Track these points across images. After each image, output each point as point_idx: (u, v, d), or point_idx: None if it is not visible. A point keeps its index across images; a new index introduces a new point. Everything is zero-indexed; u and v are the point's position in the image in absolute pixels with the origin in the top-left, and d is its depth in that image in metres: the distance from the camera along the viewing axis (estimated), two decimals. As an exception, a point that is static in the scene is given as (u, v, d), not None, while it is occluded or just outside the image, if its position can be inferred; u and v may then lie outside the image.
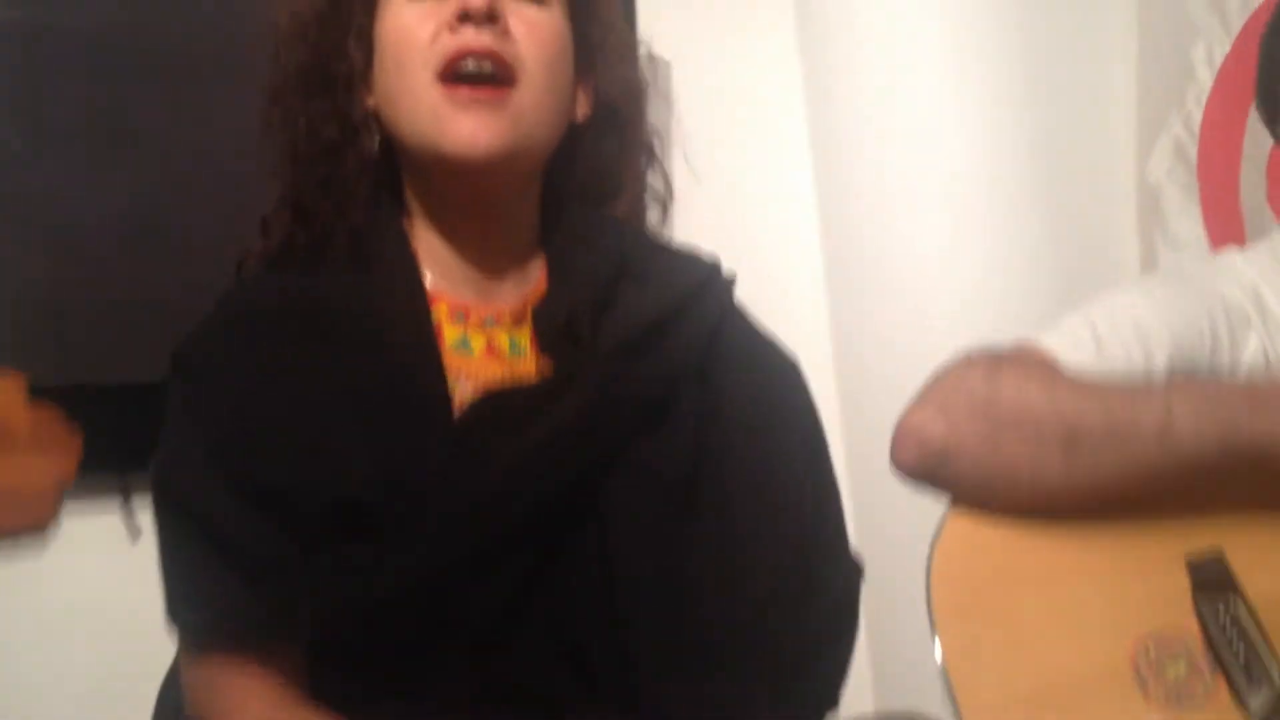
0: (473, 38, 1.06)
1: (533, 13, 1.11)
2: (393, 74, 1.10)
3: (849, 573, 1.19)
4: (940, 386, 1.15)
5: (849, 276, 2.22)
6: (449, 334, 1.12)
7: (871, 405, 2.06)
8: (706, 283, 1.19)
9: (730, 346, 1.17)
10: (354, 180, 1.12)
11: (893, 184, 2.11)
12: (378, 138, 1.15)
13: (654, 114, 1.22)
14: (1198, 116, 2.10)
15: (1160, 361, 1.17)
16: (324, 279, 1.12)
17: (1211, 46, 2.09)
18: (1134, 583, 1.10)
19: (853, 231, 2.21)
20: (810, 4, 2.23)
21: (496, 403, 1.06)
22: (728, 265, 1.22)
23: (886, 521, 1.73)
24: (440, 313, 1.13)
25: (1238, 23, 2.06)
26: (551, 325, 1.10)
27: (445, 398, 1.07)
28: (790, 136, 2.23)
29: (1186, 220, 2.12)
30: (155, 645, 1.62)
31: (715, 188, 1.73)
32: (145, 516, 1.65)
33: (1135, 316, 1.20)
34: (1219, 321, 1.22)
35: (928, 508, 1.15)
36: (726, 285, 1.22)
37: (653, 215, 1.24)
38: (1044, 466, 1.09)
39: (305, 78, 1.13)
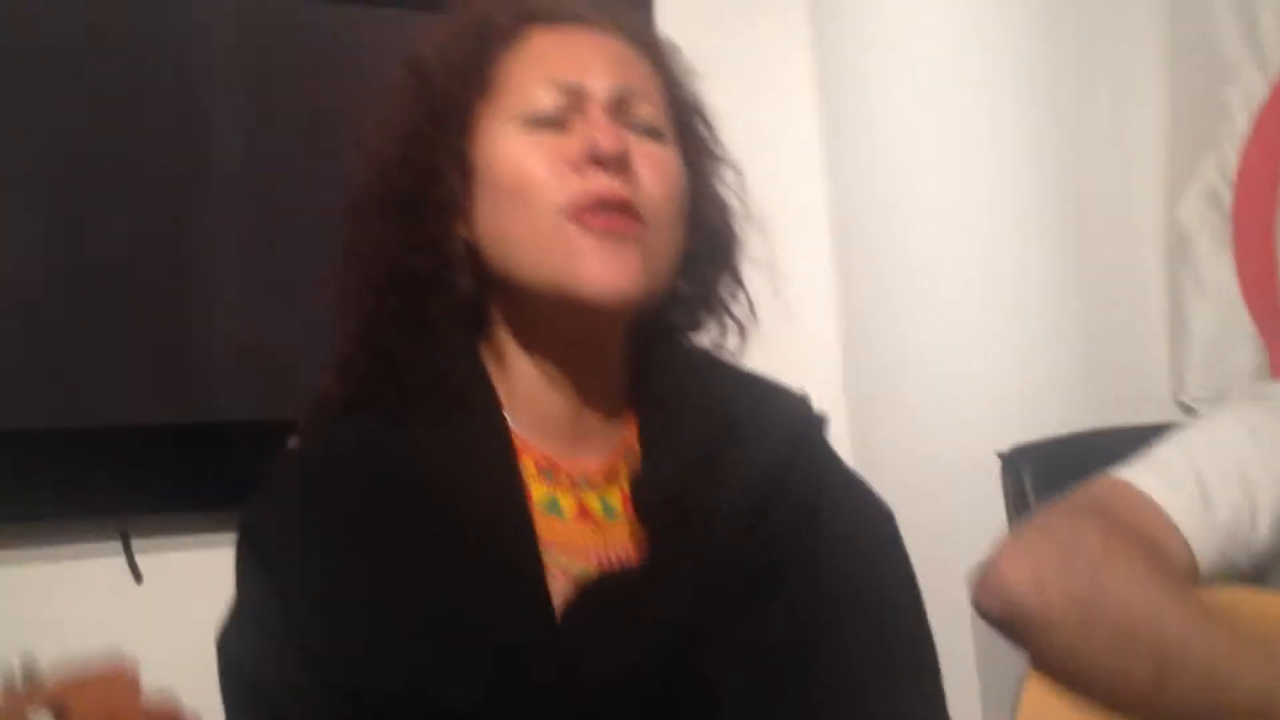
0: (604, 185, 0.98)
1: (655, 150, 1.03)
2: (507, 209, 1.00)
3: None
4: (1046, 543, 1.12)
5: (865, 345, 2.16)
6: (536, 493, 1.03)
7: (879, 433, 2.05)
8: (805, 435, 1.13)
9: (830, 502, 1.10)
10: (444, 322, 1.03)
11: (915, 219, 2.05)
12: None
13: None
14: (1233, 160, 2.06)
15: (1265, 519, 1.16)
16: (405, 436, 1.02)
17: (1249, 88, 2.04)
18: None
19: (872, 285, 2.15)
20: (830, 58, 2.18)
21: (600, 595, 0.98)
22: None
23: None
24: (527, 468, 1.03)
25: (1276, 62, 2.01)
26: (654, 500, 1.02)
27: (543, 587, 0.99)
28: (807, 171, 2.19)
29: (1218, 268, 2.07)
30: (160, 685, 1.67)
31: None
32: (146, 558, 1.69)
33: (1241, 463, 1.17)
34: None
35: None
36: (822, 431, 1.15)
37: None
38: (1130, 681, 1.06)
39: (394, 203, 1.04)
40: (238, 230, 1.71)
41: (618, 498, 1.05)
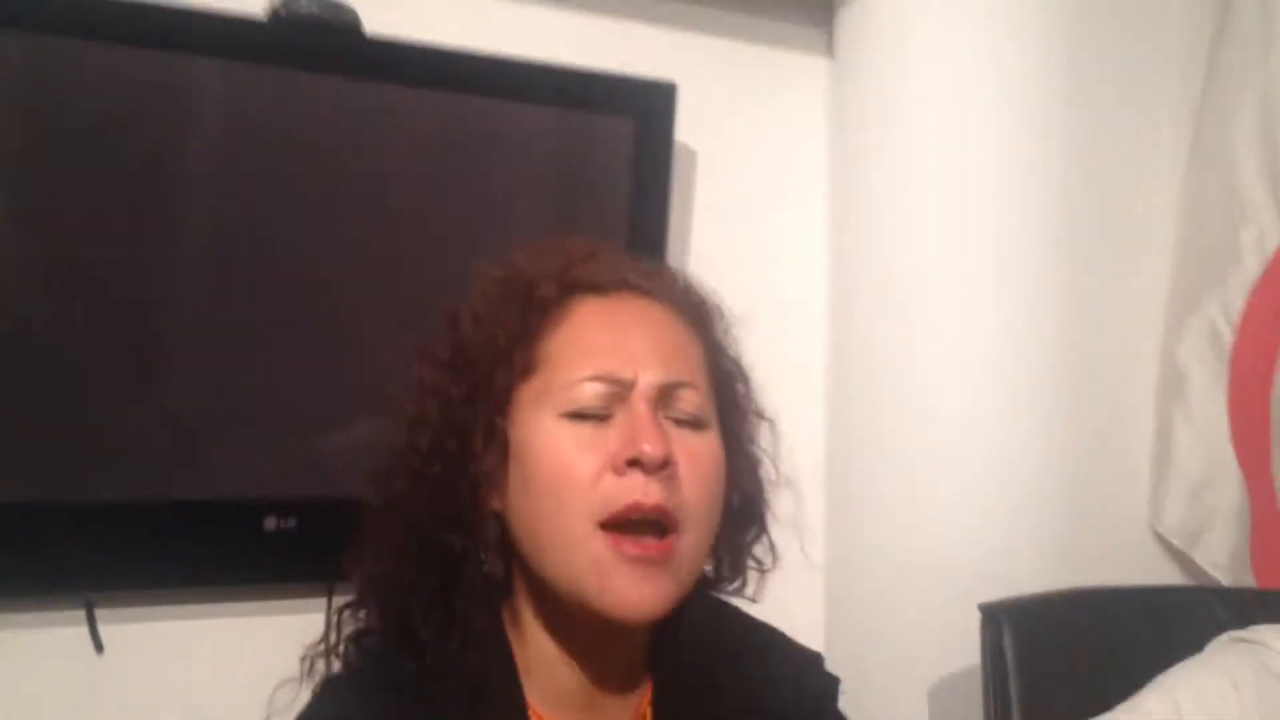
0: (643, 492, 0.96)
1: (696, 443, 1.01)
2: (541, 502, 0.98)
3: None
4: None
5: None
6: None
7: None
8: (821, 708, 1.12)
9: None
10: (472, 599, 1.01)
11: (915, 331, 2.03)
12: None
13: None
14: (1238, 304, 2.04)
15: None
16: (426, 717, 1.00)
17: (1264, 233, 2.02)
18: None
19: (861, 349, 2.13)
20: (846, 137, 2.14)
21: None
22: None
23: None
24: None
25: (1294, 209, 2.00)
26: None
27: None
28: (809, 252, 2.17)
29: (1211, 406, 2.07)
30: None
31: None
32: (108, 628, 1.65)
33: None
34: None
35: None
36: (835, 697, 1.14)
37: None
38: None
39: (429, 474, 1.01)
40: (208, 304, 1.66)
41: None
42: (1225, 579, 2.06)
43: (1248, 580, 2.06)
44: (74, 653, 1.63)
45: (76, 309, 1.58)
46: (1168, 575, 2.12)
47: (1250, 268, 2.03)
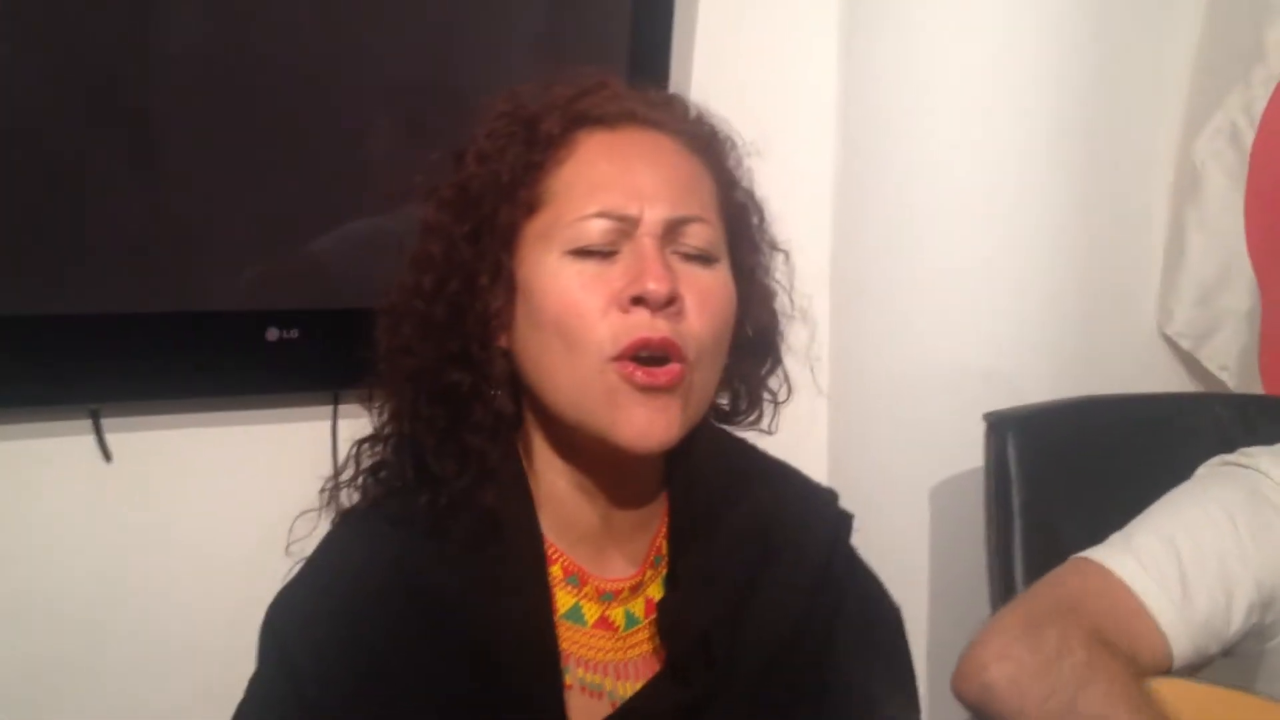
0: (649, 327, 0.95)
1: (705, 278, 0.99)
2: (550, 341, 0.97)
3: None
4: (1032, 646, 1.14)
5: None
6: (561, 599, 1.02)
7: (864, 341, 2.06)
8: (835, 546, 1.11)
9: (848, 611, 1.10)
10: (484, 435, 1.00)
11: (925, 132, 1.98)
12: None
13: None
14: (1262, 102, 1.98)
15: (1239, 613, 1.21)
16: (439, 552, 1.00)
17: (1292, 33, 1.95)
18: None
19: (874, 187, 2.08)
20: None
21: None
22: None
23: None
24: (554, 575, 1.03)
25: (1325, 11, 1.92)
26: (683, 637, 1.01)
27: (562, 709, 0.99)
28: (818, 103, 2.09)
29: (1226, 210, 2.02)
30: (131, 562, 1.68)
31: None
32: (115, 437, 1.67)
33: (1221, 554, 1.22)
34: None
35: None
36: (848, 533, 1.14)
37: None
38: None
39: (437, 313, 1.00)
40: (206, 115, 1.62)
41: (641, 607, 1.05)
42: (1232, 382, 2.06)
43: (1253, 384, 2.06)
44: (83, 461, 1.65)
45: (77, 122, 1.55)
46: (1175, 382, 2.12)
47: (1275, 66, 1.96)
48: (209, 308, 1.67)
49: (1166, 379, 2.11)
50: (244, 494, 1.70)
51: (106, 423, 1.65)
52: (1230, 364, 2.07)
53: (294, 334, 1.70)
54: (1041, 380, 1.90)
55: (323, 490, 1.09)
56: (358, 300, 1.08)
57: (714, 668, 1.00)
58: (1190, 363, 2.11)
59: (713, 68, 1.98)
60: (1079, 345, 2.01)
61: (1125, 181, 2.05)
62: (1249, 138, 2.00)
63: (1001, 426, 1.66)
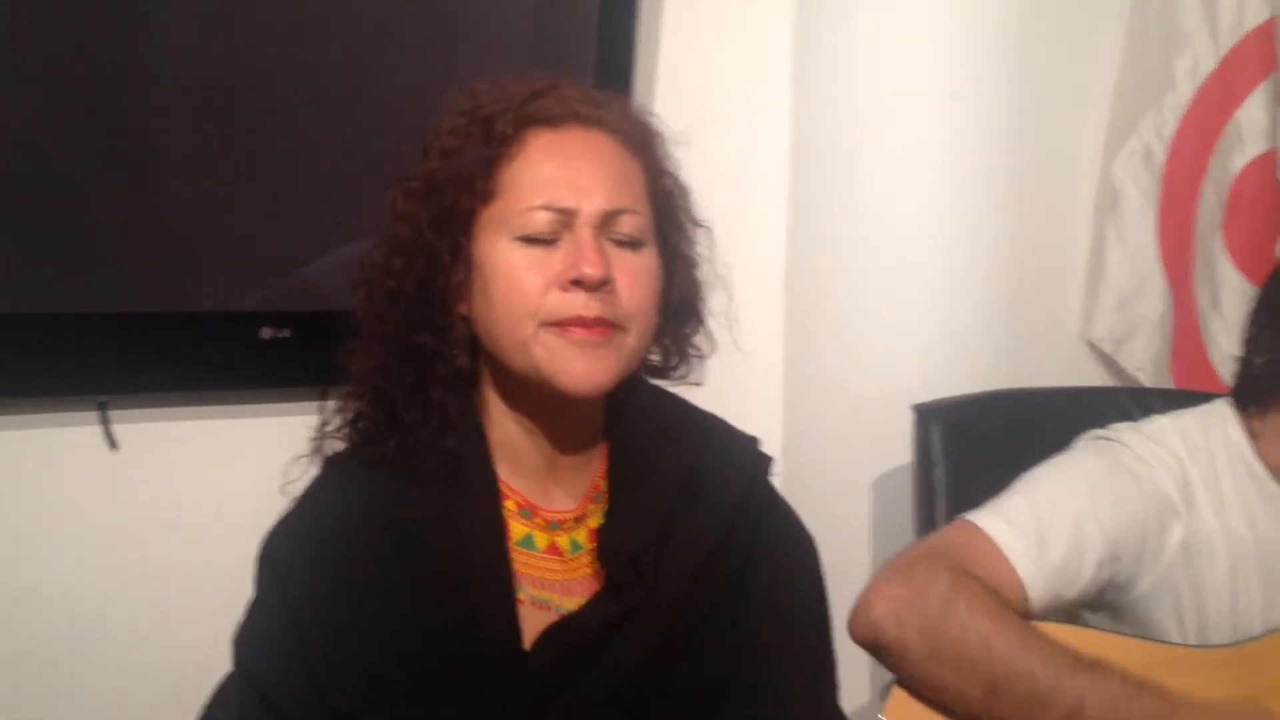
0: (584, 306, 1.11)
1: (634, 261, 1.16)
2: (498, 310, 1.14)
3: None
4: (905, 584, 1.32)
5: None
6: (514, 530, 1.19)
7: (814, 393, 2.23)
8: (753, 484, 1.28)
9: (764, 542, 1.26)
10: (445, 388, 1.17)
11: (866, 147, 2.14)
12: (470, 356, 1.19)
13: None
14: (1171, 126, 2.16)
15: (1090, 566, 1.40)
16: (409, 490, 1.17)
17: (1197, 60, 2.13)
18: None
19: (821, 192, 2.22)
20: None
21: (568, 637, 1.14)
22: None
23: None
24: (508, 509, 1.20)
25: (1227, 43, 2.11)
26: (615, 557, 1.18)
27: (515, 621, 1.14)
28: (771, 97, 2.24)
29: (1141, 226, 2.21)
30: (135, 541, 1.81)
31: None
32: (121, 428, 1.80)
33: (1077, 514, 1.41)
34: (1150, 521, 1.44)
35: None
36: (768, 474, 1.31)
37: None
38: (967, 699, 1.29)
39: (406, 287, 1.16)
40: (203, 130, 1.75)
41: (584, 535, 1.22)
42: (1148, 381, 2.25)
43: (1166, 383, 2.24)
44: (90, 450, 1.78)
45: (86, 135, 1.67)
46: (1095, 381, 2.30)
47: (1183, 93, 2.15)
48: (208, 308, 1.81)
49: (1088, 379, 2.29)
50: (240, 478, 1.80)
51: (112, 414, 1.78)
52: (1146, 365, 2.25)
53: (286, 333, 1.84)
54: (975, 385, 2.05)
55: (312, 439, 1.26)
56: (344, 304, 1.24)
57: (643, 584, 1.16)
58: (1110, 364, 2.30)
59: (674, 76, 2.12)
60: (1009, 349, 2.18)
61: (1052, 196, 2.24)
62: (1161, 159, 2.18)
63: (928, 416, 1.82)
